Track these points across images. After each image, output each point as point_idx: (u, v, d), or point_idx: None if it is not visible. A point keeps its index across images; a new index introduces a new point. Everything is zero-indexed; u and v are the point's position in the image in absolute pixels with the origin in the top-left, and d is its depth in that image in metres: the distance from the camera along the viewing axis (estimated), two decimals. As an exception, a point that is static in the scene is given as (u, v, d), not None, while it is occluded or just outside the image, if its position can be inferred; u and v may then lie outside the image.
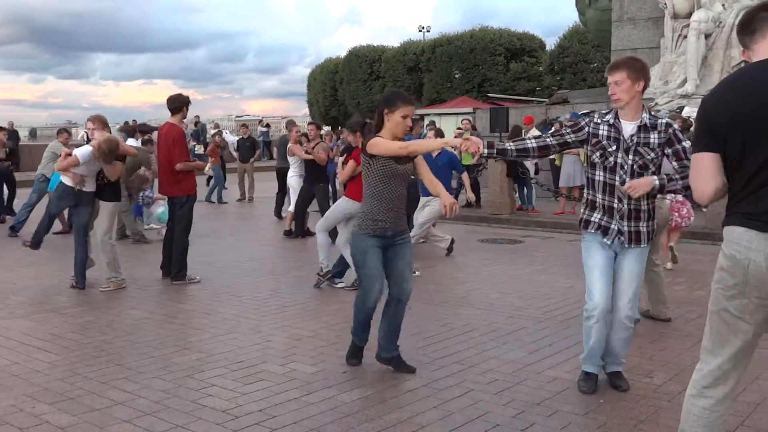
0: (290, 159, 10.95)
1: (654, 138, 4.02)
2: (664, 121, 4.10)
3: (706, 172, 2.67)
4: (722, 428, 2.79)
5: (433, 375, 4.55)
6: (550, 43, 40.31)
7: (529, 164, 13.20)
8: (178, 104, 7.55)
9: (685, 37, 14.77)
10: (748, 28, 2.72)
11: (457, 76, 39.46)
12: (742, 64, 2.94)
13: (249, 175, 16.19)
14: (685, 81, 14.67)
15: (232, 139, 18.38)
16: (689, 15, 14.80)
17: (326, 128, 40.96)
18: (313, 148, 10.11)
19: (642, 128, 4.03)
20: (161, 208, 10.15)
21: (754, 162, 2.54)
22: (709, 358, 2.75)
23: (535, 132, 13.80)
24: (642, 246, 4.11)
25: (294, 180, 10.87)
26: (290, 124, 12.21)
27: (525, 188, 13.16)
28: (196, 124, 28.90)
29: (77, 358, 4.91)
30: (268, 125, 28.23)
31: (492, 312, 6.22)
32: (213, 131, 24.04)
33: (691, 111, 13.02)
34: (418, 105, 38.40)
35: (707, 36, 14.45)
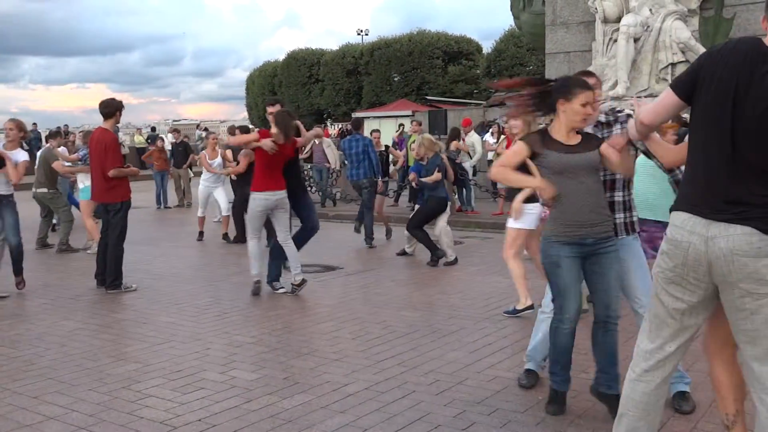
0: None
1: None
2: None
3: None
4: (661, 411, 2.89)
5: (375, 378, 4.54)
6: (487, 47, 41.05)
7: (468, 166, 13.37)
8: (111, 109, 7.36)
9: (616, 41, 15.16)
10: None
11: (396, 79, 39.74)
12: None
13: (184, 180, 16.02)
14: (616, 83, 15.05)
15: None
16: (619, 19, 15.20)
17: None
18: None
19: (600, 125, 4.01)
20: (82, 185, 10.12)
21: (703, 140, 2.65)
22: (647, 342, 2.83)
23: (473, 135, 13.99)
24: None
25: (216, 189, 11.09)
26: (231, 128, 12.30)
27: (464, 189, 13.30)
28: (153, 129, 28.38)
29: (6, 373, 4.72)
30: (206, 129, 27.75)
31: (433, 313, 6.26)
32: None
33: (629, 111, 13.37)
34: (357, 108, 38.57)
35: (636, 40, 14.86)
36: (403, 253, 9.22)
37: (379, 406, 4.06)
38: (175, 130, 19.37)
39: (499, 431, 3.70)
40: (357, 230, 10.63)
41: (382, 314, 6.22)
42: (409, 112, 23.62)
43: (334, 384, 4.43)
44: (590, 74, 4.13)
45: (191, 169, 16.32)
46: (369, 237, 10.09)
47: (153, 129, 30.92)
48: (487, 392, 4.26)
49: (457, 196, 13.24)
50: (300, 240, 7.31)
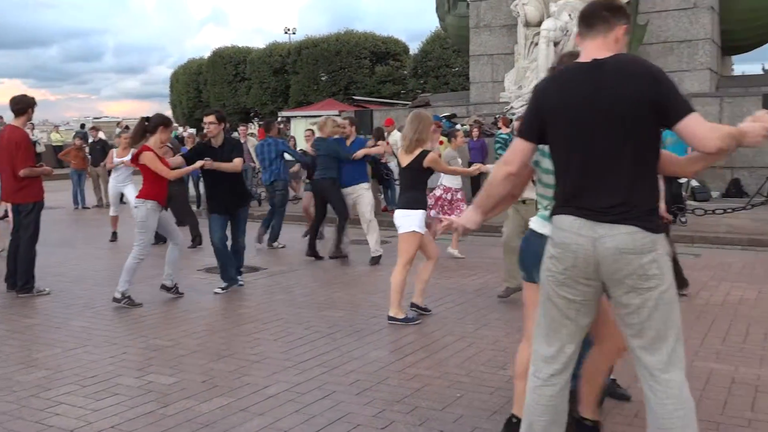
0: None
1: None
2: None
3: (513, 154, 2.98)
4: (566, 413, 2.97)
5: (296, 379, 4.51)
6: (414, 48, 41.29)
7: (393, 165, 13.43)
8: (22, 105, 7.05)
9: (536, 44, 15.58)
10: (587, 20, 2.87)
11: (323, 78, 39.55)
12: None
13: (102, 179, 15.55)
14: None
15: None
16: (540, 23, 15.63)
17: (190, 130, 39.77)
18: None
19: None
20: None
21: (566, 153, 2.80)
22: (545, 347, 2.91)
23: (396, 134, 14.04)
24: None
25: (126, 188, 10.59)
26: (124, 130, 12.01)
27: (389, 190, 13.36)
28: (82, 126, 27.36)
29: None
30: (127, 127, 26.93)
31: (356, 313, 6.27)
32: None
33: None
34: (285, 107, 38.24)
35: (556, 44, 15.31)
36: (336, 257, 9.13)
37: (299, 407, 4.04)
38: (92, 128, 18.78)
39: (417, 429, 3.74)
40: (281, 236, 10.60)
41: (304, 315, 6.19)
42: (336, 112, 23.55)
43: (254, 386, 4.39)
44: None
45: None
46: (274, 239, 10.08)
47: (82, 126, 29.72)
48: (407, 390, 4.30)
49: (382, 196, 13.29)
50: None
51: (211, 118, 7.01)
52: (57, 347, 5.24)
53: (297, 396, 4.21)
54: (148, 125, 6.82)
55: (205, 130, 7.21)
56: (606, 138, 2.70)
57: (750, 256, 9.06)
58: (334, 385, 4.40)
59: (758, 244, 9.66)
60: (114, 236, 10.78)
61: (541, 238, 3.12)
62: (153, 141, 6.72)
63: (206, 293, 7.06)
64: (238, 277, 7.29)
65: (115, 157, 10.73)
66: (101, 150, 15.73)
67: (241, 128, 16.33)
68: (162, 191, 6.75)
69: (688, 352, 4.78)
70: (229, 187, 7.05)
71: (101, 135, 17.41)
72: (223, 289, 7.03)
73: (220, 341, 5.42)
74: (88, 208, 15.57)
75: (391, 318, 5.85)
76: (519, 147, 2.96)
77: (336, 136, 9.00)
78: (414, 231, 5.86)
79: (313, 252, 9.00)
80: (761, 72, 30.63)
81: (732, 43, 16.77)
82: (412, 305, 6.07)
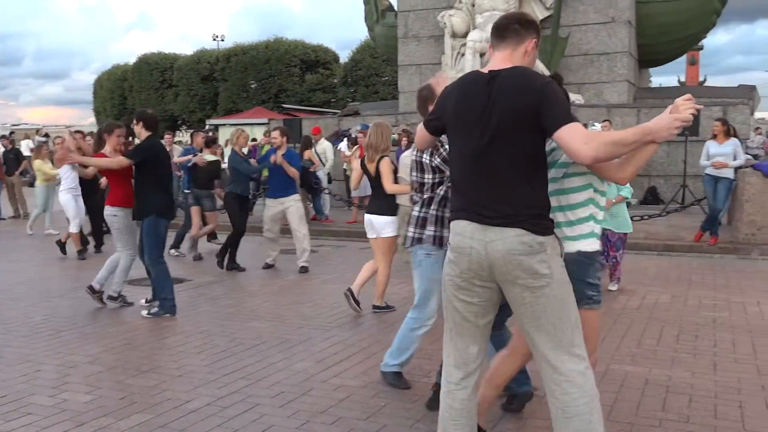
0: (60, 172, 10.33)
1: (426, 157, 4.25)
2: None
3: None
4: (476, 415, 3.05)
5: (218, 392, 4.43)
6: (344, 57, 41.44)
7: (322, 174, 13.41)
8: None
9: (463, 54, 15.85)
10: (500, 32, 2.95)
11: (253, 86, 39.20)
12: None
13: (17, 189, 15.00)
14: (464, 96, 15.72)
15: (-1, 150, 16.83)
16: (466, 35, 15.91)
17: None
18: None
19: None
20: None
21: (459, 160, 2.93)
22: (453, 350, 2.98)
23: (324, 143, 14.05)
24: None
25: (63, 196, 10.16)
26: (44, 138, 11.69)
27: (317, 199, 13.33)
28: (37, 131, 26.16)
29: None
30: (47, 135, 26.06)
31: (282, 323, 6.20)
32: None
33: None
34: (213, 115, 37.67)
35: (482, 54, 15.61)
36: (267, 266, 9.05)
37: (221, 421, 3.98)
38: (3, 137, 18.14)
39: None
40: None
41: (229, 326, 6.09)
42: (266, 120, 23.35)
43: (175, 401, 4.28)
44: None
45: (24, 176, 15.35)
46: (176, 246, 10.07)
47: (11, 133, 28.42)
48: (332, 401, 4.28)
49: (311, 205, 13.24)
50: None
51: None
52: (-35, 366, 5.00)
53: (219, 410, 4.14)
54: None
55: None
56: (493, 146, 2.79)
57: (665, 261, 9.44)
58: (258, 398, 4.34)
59: (672, 250, 10.07)
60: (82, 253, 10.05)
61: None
62: (108, 148, 6.78)
63: (129, 307, 6.85)
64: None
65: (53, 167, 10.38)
66: (15, 159, 15.26)
67: (167, 136, 15.96)
68: (130, 194, 6.66)
69: (605, 356, 4.96)
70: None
71: (29, 143, 16.81)
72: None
73: (141, 356, 5.27)
74: (4, 219, 14.88)
75: (376, 307, 6.58)
76: (421, 134, 3.24)
77: (248, 150, 9.00)
78: (395, 235, 6.30)
79: (234, 264, 8.93)
80: (677, 84, 32.09)
81: (649, 57, 17.46)
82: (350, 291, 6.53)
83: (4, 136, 18.71)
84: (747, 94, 16.86)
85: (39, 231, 12.34)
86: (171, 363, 5.07)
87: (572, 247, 3.07)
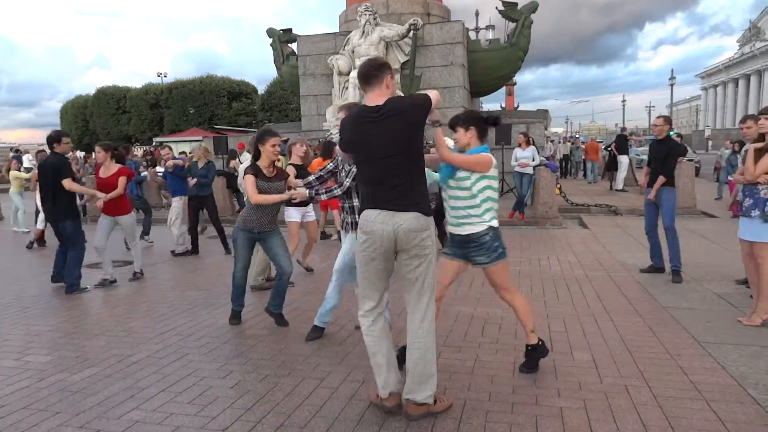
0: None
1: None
2: None
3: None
4: (390, 342, 3.06)
5: (156, 347, 4.20)
6: (261, 89, 40.26)
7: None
8: None
9: (347, 88, 15.75)
10: (366, 78, 2.93)
11: (191, 111, 37.39)
12: None
13: None
14: (348, 118, 15.65)
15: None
16: (349, 73, 15.82)
17: (79, 153, 35.65)
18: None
19: None
20: None
21: (367, 171, 2.92)
22: (369, 303, 2.99)
23: (246, 155, 13.56)
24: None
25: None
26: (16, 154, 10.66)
27: (241, 197, 12.87)
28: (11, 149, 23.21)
29: None
30: (18, 150, 23.72)
31: (212, 291, 5.94)
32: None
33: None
34: (160, 134, 35.61)
35: (360, 88, 15.58)
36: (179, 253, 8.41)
37: (156, 369, 3.78)
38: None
39: (250, 375, 3.64)
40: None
41: (169, 296, 5.80)
42: (200, 138, 22.33)
43: (120, 357, 4.03)
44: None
45: None
46: (146, 233, 9.45)
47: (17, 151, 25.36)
48: (245, 347, 4.17)
49: (237, 201, 12.79)
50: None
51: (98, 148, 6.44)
52: (-59, 341, 4.48)
53: (156, 360, 3.93)
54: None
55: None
56: (389, 155, 2.82)
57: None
58: (188, 349, 4.15)
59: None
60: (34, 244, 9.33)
61: None
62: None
63: (85, 285, 6.35)
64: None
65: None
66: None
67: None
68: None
69: (445, 301, 5.09)
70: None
71: (29, 157, 15.22)
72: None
73: (94, 322, 4.91)
74: (-17, 220, 13.51)
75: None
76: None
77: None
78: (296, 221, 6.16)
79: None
80: (499, 108, 33.44)
81: (478, 89, 18.04)
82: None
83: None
84: (542, 115, 17.84)
85: (8, 228, 11.27)
86: (118, 327, 4.76)
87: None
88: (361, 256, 2.94)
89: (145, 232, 9.40)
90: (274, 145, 4.44)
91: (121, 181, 6.23)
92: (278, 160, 4.77)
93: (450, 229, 3.47)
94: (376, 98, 2.88)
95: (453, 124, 3.49)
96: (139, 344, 4.28)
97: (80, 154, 37.09)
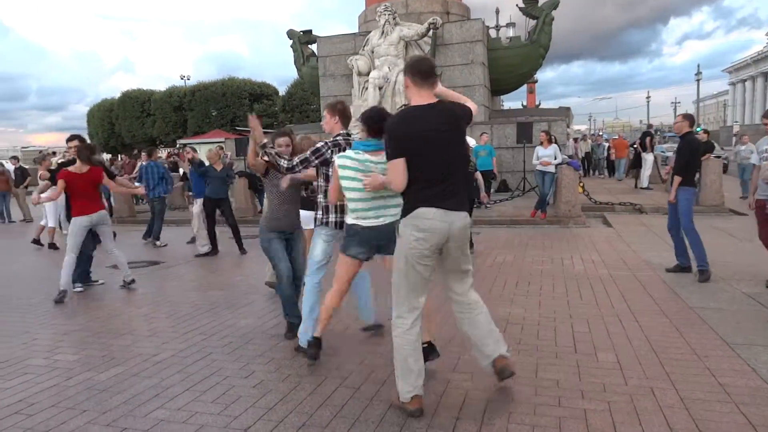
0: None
1: None
2: None
3: (400, 170, 2.91)
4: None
5: (180, 347, 4.27)
6: (282, 90, 40.51)
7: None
8: None
9: (366, 88, 15.78)
10: (428, 75, 2.93)
11: (213, 113, 37.83)
12: (403, 107, 3.24)
13: (21, 198, 14.13)
14: (368, 118, 15.68)
15: (10, 167, 15.56)
16: (368, 73, 15.85)
17: (106, 155, 36.38)
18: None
19: None
20: None
21: (425, 169, 2.89)
22: (410, 305, 2.99)
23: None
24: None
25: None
26: (47, 155, 11.09)
27: (262, 196, 12.99)
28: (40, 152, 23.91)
29: None
30: (45, 153, 24.27)
31: (233, 291, 6.02)
32: None
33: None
34: (184, 136, 36.12)
35: (380, 88, 15.60)
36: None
37: (181, 368, 3.83)
38: (13, 157, 16.86)
39: (273, 375, 3.66)
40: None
41: (191, 296, 5.88)
42: (222, 139, 22.61)
43: (145, 356, 4.10)
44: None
45: (27, 188, 14.35)
46: (156, 238, 9.55)
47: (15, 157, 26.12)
48: (267, 347, 4.20)
49: (258, 201, 12.91)
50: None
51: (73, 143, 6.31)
52: (-26, 339, 4.61)
53: (180, 360, 3.99)
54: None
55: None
56: (449, 155, 2.91)
57: (511, 231, 9.76)
58: (211, 348, 4.21)
59: (516, 223, 10.42)
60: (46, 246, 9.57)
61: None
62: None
63: (113, 285, 6.50)
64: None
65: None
66: (21, 174, 14.25)
67: (143, 154, 15.29)
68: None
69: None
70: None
71: (59, 159, 15.70)
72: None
73: (120, 322, 5.01)
74: (15, 222, 13.90)
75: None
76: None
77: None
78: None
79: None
80: (521, 107, 33.13)
81: (499, 87, 17.91)
82: None
83: (14, 157, 17.31)
84: (564, 113, 17.61)
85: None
86: (144, 326, 4.84)
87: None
88: (411, 255, 2.91)
89: (155, 237, 9.54)
90: (281, 146, 4.29)
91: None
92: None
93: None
94: (428, 97, 2.93)
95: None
96: (164, 344, 4.35)
97: (106, 156, 37.91)
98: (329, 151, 3.78)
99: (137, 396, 3.38)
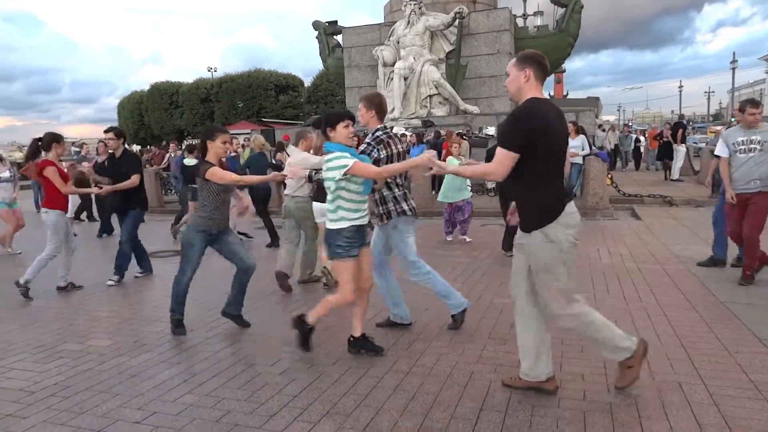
0: None
1: None
2: None
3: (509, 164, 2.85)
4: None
5: (207, 334, 4.36)
6: (308, 82, 40.70)
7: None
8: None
9: (392, 79, 15.74)
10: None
11: (240, 105, 38.24)
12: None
13: None
14: (393, 109, 15.67)
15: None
16: (393, 64, 15.80)
17: (136, 147, 37.12)
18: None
19: None
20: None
21: (558, 165, 2.89)
22: (580, 292, 3.04)
23: (291, 147, 13.83)
24: None
25: None
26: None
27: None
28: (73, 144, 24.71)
29: None
30: (81, 145, 24.90)
31: (258, 281, 6.08)
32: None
33: (398, 129, 13.92)
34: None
35: (405, 78, 15.54)
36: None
37: (208, 355, 3.92)
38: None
39: (298, 363, 3.70)
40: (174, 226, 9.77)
41: (218, 284, 5.97)
42: (248, 131, 22.86)
43: (174, 342, 4.21)
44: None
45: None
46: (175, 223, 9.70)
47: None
48: (293, 335, 4.23)
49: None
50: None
51: (110, 135, 6.09)
52: (13, 324, 4.79)
53: (207, 347, 4.08)
54: (42, 143, 5.72)
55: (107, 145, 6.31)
56: (563, 152, 2.92)
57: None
58: (239, 335, 4.29)
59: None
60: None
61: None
62: (52, 155, 5.68)
63: (142, 274, 6.65)
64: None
65: None
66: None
67: (172, 144, 15.64)
68: (64, 199, 5.75)
69: (489, 293, 5.02)
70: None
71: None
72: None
73: (151, 309, 5.14)
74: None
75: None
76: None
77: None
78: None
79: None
80: (548, 97, 32.58)
81: (525, 77, 17.67)
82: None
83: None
84: (593, 103, 17.32)
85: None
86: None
87: None
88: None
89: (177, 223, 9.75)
90: (224, 142, 4.21)
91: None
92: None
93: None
94: (542, 92, 3.00)
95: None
96: (192, 331, 4.45)
97: (136, 148, 38.69)
98: (374, 150, 3.85)
99: (167, 381, 3.47)
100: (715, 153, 5.71)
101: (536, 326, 3.09)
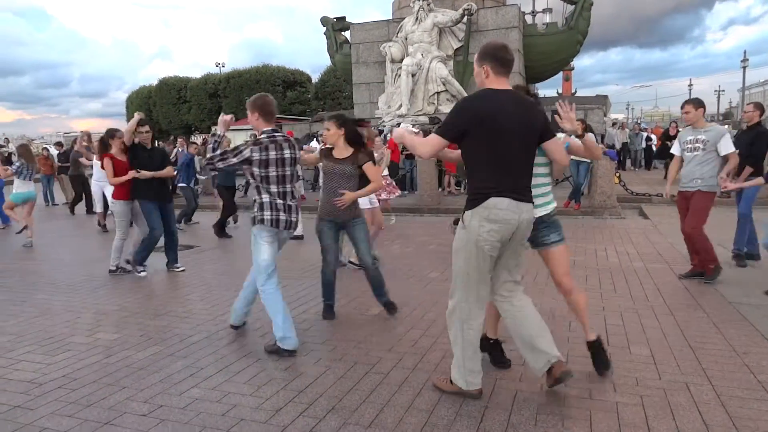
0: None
1: None
2: None
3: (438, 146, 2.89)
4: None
5: (214, 329, 4.37)
6: (315, 78, 40.63)
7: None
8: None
9: (399, 75, 15.70)
10: (510, 64, 2.88)
11: (247, 100, 38.32)
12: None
13: (66, 182, 14.61)
14: (400, 106, 15.64)
15: (54, 152, 16.11)
16: (401, 60, 15.76)
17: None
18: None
19: None
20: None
21: (499, 157, 2.81)
22: (484, 294, 3.04)
23: (314, 143, 13.89)
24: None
25: (93, 185, 10.03)
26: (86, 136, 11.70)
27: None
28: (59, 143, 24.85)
29: None
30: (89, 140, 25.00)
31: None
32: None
33: (405, 126, 13.91)
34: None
35: (413, 75, 15.50)
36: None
37: (215, 349, 3.93)
38: (57, 143, 17.41)
39: (303, 359, 3.71)
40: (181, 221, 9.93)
41: (225, 279, 6.01)
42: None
43: (181, 336, 4.22)
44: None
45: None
46: (187, 221, 10.05)
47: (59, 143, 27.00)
48: (298, 331, 4.23)
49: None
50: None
51: (146, 128, 6.27)
52: (21, 317, 4.82)
53: (214, 341, 4.09)
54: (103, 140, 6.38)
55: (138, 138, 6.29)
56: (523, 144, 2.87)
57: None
58: (243, 330, 4.30)
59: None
60: (104, 228, 9.80)
61: None
62: (114, 149, 6.20)
63: (149, 267, 6.67)
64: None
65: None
66: (65, 159, 14.64)
67: (180, 140, 15.67)
68: (127, 190, 6.15)
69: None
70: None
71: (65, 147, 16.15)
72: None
73: (157, 304, 5.16)
74: (57, 204, 14.42)
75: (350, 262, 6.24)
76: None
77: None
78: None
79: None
80: (556, 94, 32.44)
81: (534, 74, 17.59)
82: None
83: (58, 143, 17.93)
84: (601, 101, 17.19)
85: (81, 212, 11.98)
86: (179, 308, 4.98)
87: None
88: (480, 247, 2.83)
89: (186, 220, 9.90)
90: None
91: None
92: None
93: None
94: (505, 84, 2.89)
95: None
96: (198, 325, 4.46)
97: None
98: (248, 149, 3.71)
99: (173, 375, 3.49)
100: (671, 151, 5.83)
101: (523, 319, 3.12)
